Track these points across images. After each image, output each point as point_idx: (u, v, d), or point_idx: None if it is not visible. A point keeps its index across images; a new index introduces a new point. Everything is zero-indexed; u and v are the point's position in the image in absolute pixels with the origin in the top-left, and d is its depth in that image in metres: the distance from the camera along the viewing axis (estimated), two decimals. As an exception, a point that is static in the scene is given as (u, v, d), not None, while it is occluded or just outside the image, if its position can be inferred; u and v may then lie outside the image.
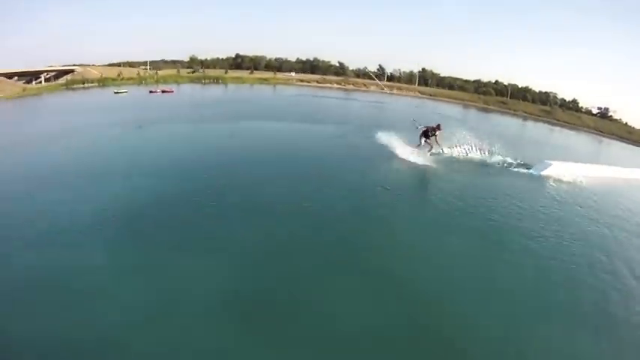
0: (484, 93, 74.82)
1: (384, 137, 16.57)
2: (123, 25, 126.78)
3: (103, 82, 64.91)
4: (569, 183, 14.24)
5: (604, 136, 56.36)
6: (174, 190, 10.32)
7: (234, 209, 9.17)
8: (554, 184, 13.93)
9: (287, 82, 70.16)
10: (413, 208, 10.51)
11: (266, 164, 13.57)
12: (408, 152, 15.22)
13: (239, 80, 68.39)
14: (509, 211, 10.39)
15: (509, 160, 16.45)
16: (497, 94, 75.03)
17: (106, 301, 5.80)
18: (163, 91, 44.84)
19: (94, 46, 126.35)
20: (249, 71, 72.85)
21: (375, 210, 9.80)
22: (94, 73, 73.27)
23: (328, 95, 57.84)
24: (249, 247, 7.50)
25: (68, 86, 61.63)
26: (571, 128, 57.72)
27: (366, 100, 54.48)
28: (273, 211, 9.12)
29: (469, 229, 9.06)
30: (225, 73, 71.48)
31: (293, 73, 78.39)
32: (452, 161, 15.79)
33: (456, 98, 71.48)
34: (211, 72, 72.47)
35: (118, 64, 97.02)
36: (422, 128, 15.55)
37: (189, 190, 10.35)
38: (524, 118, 60.44)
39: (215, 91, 56.79)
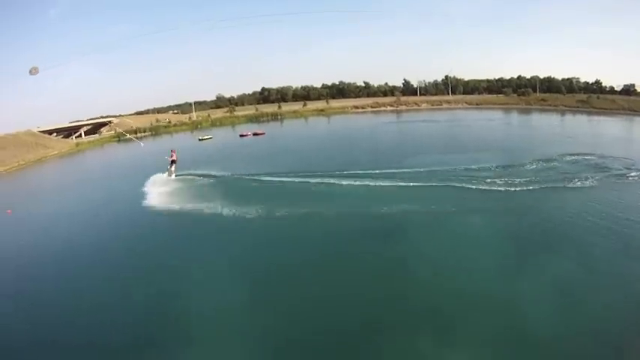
0: (522, 94, 71.84)
1: None
2: (142, 73, 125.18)
3: (155, 131, 61.32)
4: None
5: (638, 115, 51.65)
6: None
7: None
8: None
9: (343, 111, 67.80)
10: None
11: None
12: None
13: (296, 114, 65.64)
14: None
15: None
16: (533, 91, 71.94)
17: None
18: (255, 134, 41.24)
19: (115, 97, 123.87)
20: (302, 104, 70.64)
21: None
22: (130, 123, 69.66)
23: (402, 120, 55.41)
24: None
25: (120, 138, 57.78)
26: (606, 114, 53.96)
27: (442, 119, 51.78)
28: None
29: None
30: (279, 107, 68.82)
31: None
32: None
33: (499, 103, 69.49)
34: (264, 108, 69.89)
35: (146, 112, 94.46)
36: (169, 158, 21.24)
37: None
38: (563, 112, 58.07)
39: (293, 128, 53.62)
